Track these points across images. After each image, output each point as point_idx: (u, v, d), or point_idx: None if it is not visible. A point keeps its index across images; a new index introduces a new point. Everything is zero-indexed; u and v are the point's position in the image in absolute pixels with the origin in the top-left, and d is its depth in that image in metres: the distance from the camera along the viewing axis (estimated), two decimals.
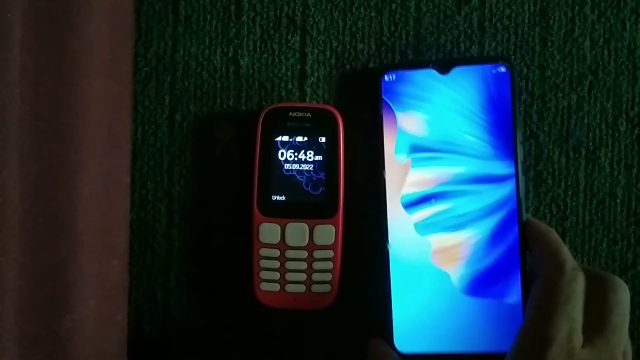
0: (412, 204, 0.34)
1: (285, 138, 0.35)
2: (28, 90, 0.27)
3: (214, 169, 0.37)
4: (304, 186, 0.35)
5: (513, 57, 0.37)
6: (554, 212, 0.37)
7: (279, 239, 0.34)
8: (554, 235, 0.31)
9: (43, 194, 0.29)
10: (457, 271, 0.33)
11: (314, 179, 0.35)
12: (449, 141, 0.33)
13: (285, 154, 0.35)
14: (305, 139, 0.35)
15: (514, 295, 0.32)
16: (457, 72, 0.33)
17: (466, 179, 0.33)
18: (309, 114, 0.35)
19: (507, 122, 0.33)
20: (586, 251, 0.37)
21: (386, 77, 0.34)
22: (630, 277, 0.37)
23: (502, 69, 0.33)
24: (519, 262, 0.32)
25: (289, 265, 0.34)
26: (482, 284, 0.33)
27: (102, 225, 0.34)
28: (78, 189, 0.31)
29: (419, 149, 0.34)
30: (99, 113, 0.33)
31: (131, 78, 0.37)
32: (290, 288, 0.35)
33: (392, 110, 0.34)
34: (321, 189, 0.35)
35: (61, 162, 0.30)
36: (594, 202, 0.37)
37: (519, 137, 0.33)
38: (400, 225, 0.34)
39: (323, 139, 0.35)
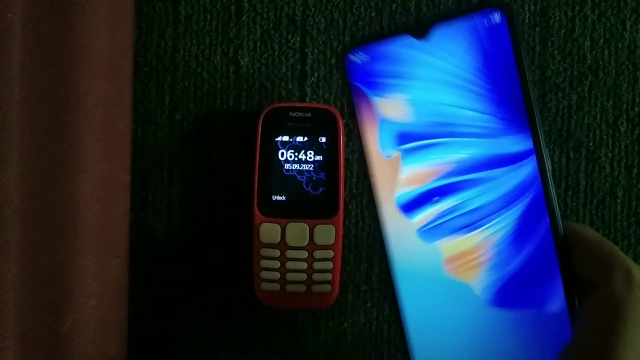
0: (411, 206, 0.28)
1: (286, 138, 0.35)
2: (28, 90, 0.27)
3: (214, 169, 0.37)
4: (304, 186, 0.35)
5: None
6: None
7: (279, 239, 0.34)
8: (593, 235, 0.24)
9: (43, 194, 0.29)
10: (479, 281, 0.27)
11: (314, 179, 0.35)
12: (443, 122, 0.27)
13: (285, 154, 0.35)
14: (306, 139, 0.35)
15: (556, 301, 0.26)
16: (439, 33, 0.27)
17: (473, 166, 0.27)
18: (309, 114, 0.35)
19: (513, 85, 0.26)
20: None
21: (352, 57, 0.29)
22: None
23: (497, 18, 0.26)
24: (556, 259, 0.26)
25: (289, 265, 0.34)
26: (512, 292, 0.26)
27: (102, 225, 0.34)
28: (78, 189, 0.31)
29: (408, 138, 0.28)
30: (99, 113, 0.33)
31: (131, 78, 0.37)
32: (290, 288, 0.35)
33: (368, 97, 0.29)
34: (321, 189, 0.35)
35: (61, 162, 0.30)
36: (594, 202, 0.37)
37: (534, 100, 0.26)
38: (402, 233, 0.29)
39: (323, 139, 0.35)
